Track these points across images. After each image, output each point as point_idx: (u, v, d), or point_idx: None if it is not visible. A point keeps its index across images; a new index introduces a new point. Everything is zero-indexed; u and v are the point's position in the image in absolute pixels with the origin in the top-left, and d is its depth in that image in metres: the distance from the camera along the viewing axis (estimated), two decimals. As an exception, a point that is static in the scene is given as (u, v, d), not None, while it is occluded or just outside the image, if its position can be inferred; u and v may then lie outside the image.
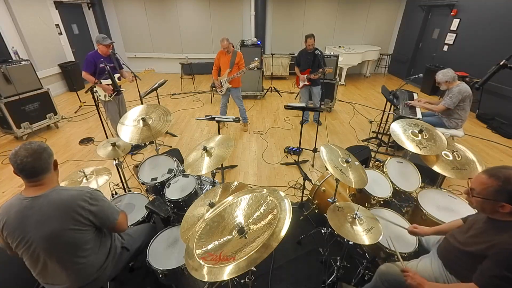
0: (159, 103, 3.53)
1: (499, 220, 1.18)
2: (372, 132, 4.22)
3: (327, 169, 2.08)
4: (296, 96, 6.11)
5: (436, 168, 2.09)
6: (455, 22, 5.94)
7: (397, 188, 2.18)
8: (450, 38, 6.12)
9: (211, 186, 2.35)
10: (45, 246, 1.21)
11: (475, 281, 1.14)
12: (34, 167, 1.20)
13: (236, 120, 2.82)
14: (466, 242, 1.26)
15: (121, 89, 3.60)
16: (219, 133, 2.45)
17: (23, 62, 4.14)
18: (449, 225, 1.56)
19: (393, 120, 2.98)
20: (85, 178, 2.03)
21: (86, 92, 2.66)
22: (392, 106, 3.65)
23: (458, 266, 1.31)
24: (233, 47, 4.09)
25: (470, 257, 1.23)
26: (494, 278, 1.08)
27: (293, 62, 4.51)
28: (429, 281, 1.29)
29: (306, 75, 4.25)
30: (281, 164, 3.60)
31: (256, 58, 3.79)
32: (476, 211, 1.84)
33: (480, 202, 1.20)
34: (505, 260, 1.08)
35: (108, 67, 2.80)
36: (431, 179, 2.66)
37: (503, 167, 1.16)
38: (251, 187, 1.60)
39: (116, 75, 3.50)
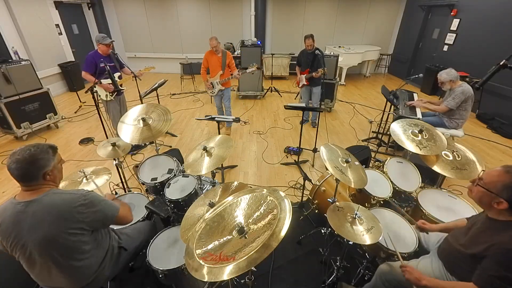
0: (159, 103, 3.53)
1: (498, 220, 1.18)
2: (372, 132, 4.21)
3: (327, 169, 2.08)
4: (296, 96, 6.11)
5: (436, 168, 2.08)
6: (455, 22, 5.94)
7: (397, 188, 2.17)
8: (450, 38, 6.12)
9: (211, 186, 2.35)
10: (40, 250, 1.20)
11: (474, 281, 1.13)
12: (21, 175, 1.18)
13: (236, 120, 2.82)
14: (466, 244, 1.26)
15: (122, 89, 3.60)
16: (219, 133, 2.45)
17: (23, 62, 4.14)
18: (455, 223, 1.55)
19: (393, 120, 2.97)
20: (85, 178, 2.03)
21: (86, 92, 2.66)
22: (392, 106, 3.65)
23: (459, 268, 1.30)
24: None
25: (470, 259, 1.22)
26: (493, 278, 1.08)
27: (293, 62, 4.50)
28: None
29: (305, 75, 4.25)
30: (281, 164, 3.60)
31: (254, 63, 3.72)
32: (475, 211, 1.84)
33: (481, 193, 1.20)
34: (504, 260, 1.08)
35: (108, 67, 2.80)
36: (431, 179, 2.66)
37: None
38: (251, 187, 1.60)
39: (117, 74, 3.49)
